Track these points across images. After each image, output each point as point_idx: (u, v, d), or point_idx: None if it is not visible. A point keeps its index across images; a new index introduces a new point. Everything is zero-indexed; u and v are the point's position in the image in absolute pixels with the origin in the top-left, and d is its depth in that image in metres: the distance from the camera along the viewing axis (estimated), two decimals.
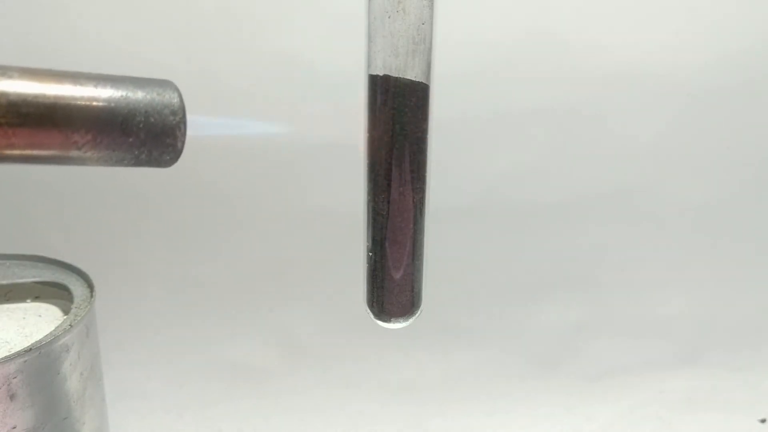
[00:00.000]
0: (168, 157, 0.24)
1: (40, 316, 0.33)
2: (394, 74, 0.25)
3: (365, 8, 0.25)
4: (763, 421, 0.62)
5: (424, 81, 0.25)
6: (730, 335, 0.70)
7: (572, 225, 0.67)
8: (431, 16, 0.25)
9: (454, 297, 0.66)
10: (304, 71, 0.58)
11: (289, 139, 0.60)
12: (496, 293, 0.67)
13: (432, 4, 0.24)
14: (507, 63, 0.61)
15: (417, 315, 0.29)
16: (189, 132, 0.24)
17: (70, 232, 0.58)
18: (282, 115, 0.59)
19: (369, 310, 0.29)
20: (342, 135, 0.57)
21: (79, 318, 0.31)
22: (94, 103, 0.21)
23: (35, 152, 0.20)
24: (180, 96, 0.24)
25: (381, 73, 0.25)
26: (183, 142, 0.24)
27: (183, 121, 0.24)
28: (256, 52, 0.57)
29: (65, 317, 0.32)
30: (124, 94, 0.22)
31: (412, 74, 0.25)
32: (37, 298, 0.35)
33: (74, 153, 0.21)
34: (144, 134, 0.23)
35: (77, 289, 0.35)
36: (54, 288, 0.36)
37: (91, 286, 0.35)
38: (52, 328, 0.31)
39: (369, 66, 0.25)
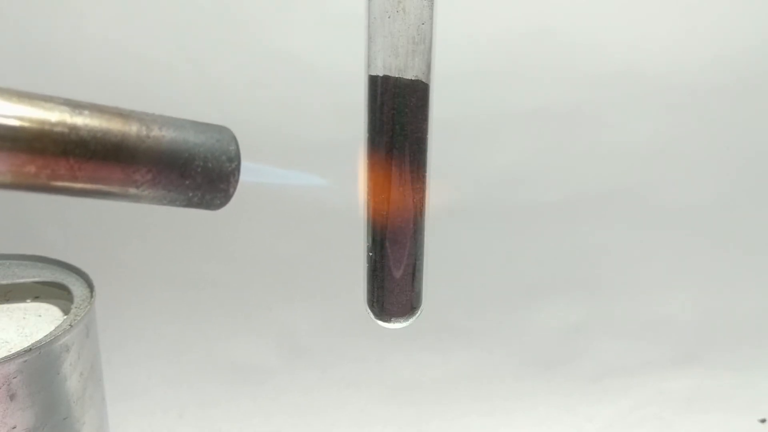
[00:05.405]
0: (218, 202, 0.24)
1: (40, 316, 0.33)
2: (394, 74, 0.25)
3: (365, 8, 0.25)
4: (763, 421, 0.62)
5: (424, 81, 0.25)
6: (730, 335, 0.70)
7: (572, 225, 0.66)
8: (431, 16, 0.25)
9: (454, 297, 0.66)
10: (303, 71, 0.58)
11: (288, 138, 0.60)
12: (496, 293, 0.67)
13: (432, 4, 0.24)
14: (507, 63, 0.61)
15: (417, 315, 0.29)
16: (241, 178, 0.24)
17: (70, 232, 0.58)
18: (281, 115, 0.59)
19: (369, 310, 0.29)
20: (342, 134, 0.57)
21: (79, 318, 0.31)
22: (158, 145, 0.22)
23: (95, 186, 0.21)
24: (237, 144, 0.24)
25: (381, 74, 0.25)
26: (235, 189, 0.24)
27: (238, 169, 0.24)
28: (256, 52, 0.57)
29: (65, 317, 0.32)
30: (186, 137, 0.23)
31: (412, 74, 0.25)
32: (37, 298, 0.35)
33: (132, 191, 0.22)
34: (201, 178, 0.23)
35: (77, 289, 0.35)
36: (54, 288, 0.36)
37: (91, 286, 0.35)
38: (52, 328, 0.30)
39: (369, 66, 0.25)
